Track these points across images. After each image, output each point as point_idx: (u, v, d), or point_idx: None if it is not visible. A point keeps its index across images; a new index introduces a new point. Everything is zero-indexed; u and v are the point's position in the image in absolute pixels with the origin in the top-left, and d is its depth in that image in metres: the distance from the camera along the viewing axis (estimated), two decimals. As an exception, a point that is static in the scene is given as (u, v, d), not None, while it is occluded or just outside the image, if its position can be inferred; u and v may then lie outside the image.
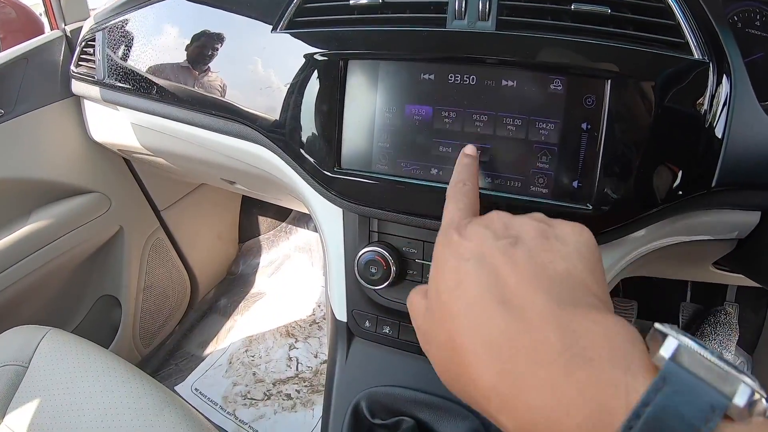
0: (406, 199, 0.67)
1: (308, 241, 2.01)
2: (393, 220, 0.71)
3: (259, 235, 2.04)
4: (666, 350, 0.27)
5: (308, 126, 0.72)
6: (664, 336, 0.28)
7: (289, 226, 2.05)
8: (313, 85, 0.71)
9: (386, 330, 0.76)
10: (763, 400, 0.26)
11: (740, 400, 0.25)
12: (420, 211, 0.67)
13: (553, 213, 0.60)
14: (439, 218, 0.65)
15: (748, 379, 0.26)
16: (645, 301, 1.53)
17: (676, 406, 0.25)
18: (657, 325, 0.29)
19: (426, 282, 0.70)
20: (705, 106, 0.57)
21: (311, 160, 0.72)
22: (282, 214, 2.06)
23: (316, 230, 1.91)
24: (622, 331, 0.30)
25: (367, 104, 0.68)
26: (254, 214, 2.02)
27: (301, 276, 1.93)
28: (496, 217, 0.43)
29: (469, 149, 0.59)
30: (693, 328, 1.46)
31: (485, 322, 0.33)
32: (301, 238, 2.02)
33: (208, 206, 1.78)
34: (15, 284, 1.17)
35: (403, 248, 0.71)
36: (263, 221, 2.05)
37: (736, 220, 0.65)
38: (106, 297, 1.50)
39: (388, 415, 0.75)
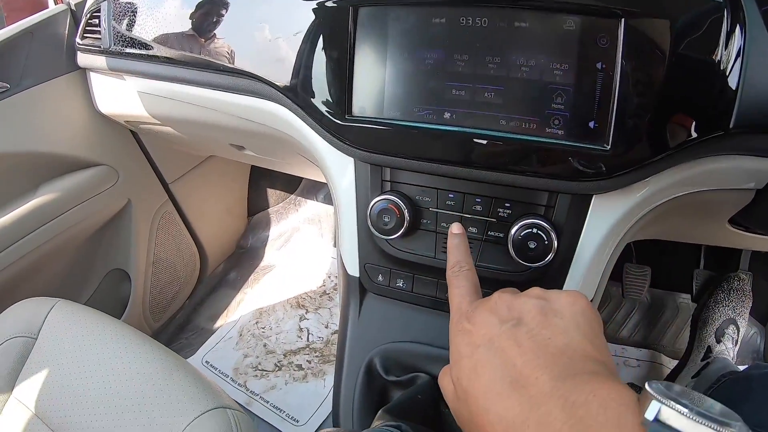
0: (419, 144, 0.66)
1: (317, 212, 1.99)
2: (406, 168, 0.70)
3: (268, 207, 2.03)
4: (650, 413, 0.30)
5: (319, 75, 0.71)
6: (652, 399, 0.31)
7: (298, 198, 2.04)
8: (323, 34, 0.70)
9: (400, 283, 0.75)
10: None
11: None
12: (433, 155, 0.66)
13: (570, 154, 0.60)
14: (452, 163, 0.65)
15: (725, 428, 0.28)
16: (658, 268, 1.52)
17: None
18: (647, 385, 0.32)
19: (440, 231, 0.69)
20: (721, 46, 0.55)
21: (322, 108, 0.71)
22: (291, 186, 2.05)
23: (325, 201, 1.91)
24: (616, 398, 0.33)
25: (378, 50, 0.66)
26: (263, 186, 2.01)
27: (310, 247, 1.92)
28: (499, 300, 0.47)
29: (456, 228, 0.61)
30: (706, 294, 1.44)
31: (499, 402, 0.38)
32: (310, 210, 2.01)
33: (216, 179, 1.76)
34: (24, 258, 1.17)
35: (417, 197, 0.70)
36: (272, 194, 2.03)
37: (753, 167, 0.63)
38: (116, 271, 1.50)
39: (403, 371, 0.75)
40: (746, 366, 1.11)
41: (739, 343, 1.36)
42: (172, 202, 1.60)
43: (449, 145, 0.65)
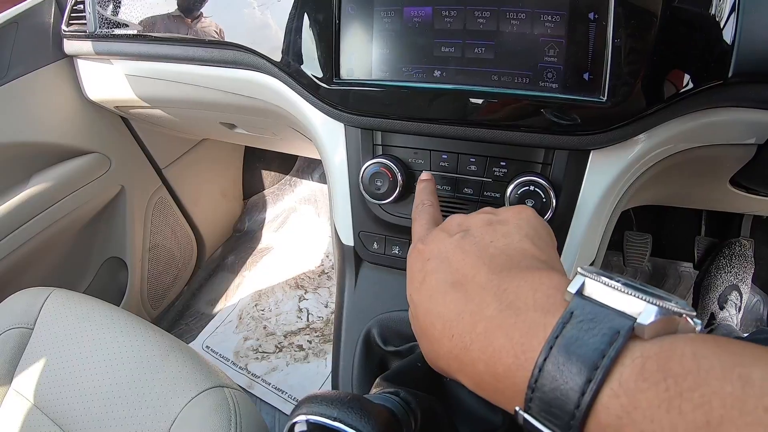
0: (409, 104, 0.64)
1: (313, 191, 1.98)
2: (397, 130, 0.68)
3: (264, 189, 2.02)
4: (573, 286, 0.31)
5: (304, 40, 0.69)
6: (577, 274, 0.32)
7: (293, 178, 2.03)
8: (307, -1, 0.68)
9: (396, 250, 0.73)
10: (690, 320, 0.29)
11: (645, 318, 0.27)
12: (425, 115, 0.64)
13: (565, 107, 0.58)
14: (444, 122, 0.64)
15: (658, 300, 0.28)
16: (659, 236, 1.51)
17: (581, 335, 0.28)
18: (579, 267, 0.32)
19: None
20: None
21: (309, 73, 0.69)
22: (285, 167, 2.04)
23: (320, 180, 1.90)
24: (547, 281, 0.34)
25: (365, 10, 0.64)
26: (257, 168, 2.00)
27: (307, 228, 1.91)
28: (451, 219, 0.48)
29: (425, 175, 0.61)
30: (708, 260, 1.43)
31: (439, 301, 0.38)
32: (306, 190, 2.00)
33: (210, 163, 1.75)
34: (19, 248, 1.16)
35: (410, 159, 0.69)
36: (267, 175, 2.02)
37: (753, 119, 0.61)
38: (113, 259, 1.49)
39: (402, 341, 0.73)
40: (750, 333, 1.10)
41: (742, 309, 1.36)
42: (166, 187, 1.59)
43: (440, 103, 0.63)
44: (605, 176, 0.64)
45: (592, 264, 0.69)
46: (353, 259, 0.77)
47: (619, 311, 0.28)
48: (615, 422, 0.25)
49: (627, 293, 0.29)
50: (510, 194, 0.63)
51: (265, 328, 1.59)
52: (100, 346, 0.86)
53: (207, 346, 1.57)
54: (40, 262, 1.30)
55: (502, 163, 0.65)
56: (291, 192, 2.01)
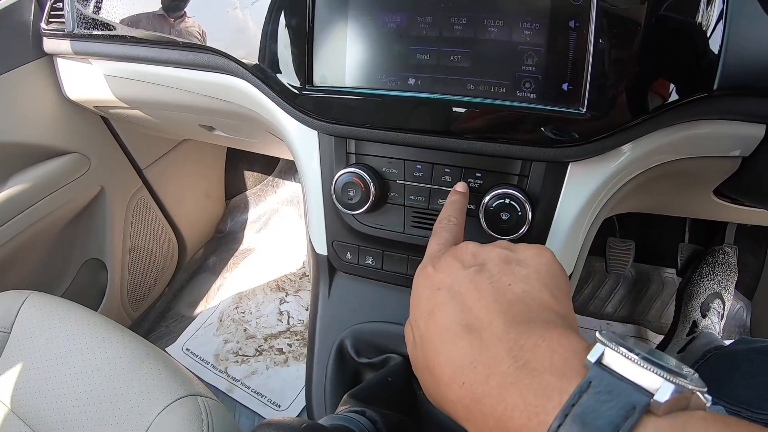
0: (383, 113, 0.63)
1: (295, 193, 1.96)
2: (370, 138, 0.66)
3: (246, 190, 2.00)
4: (592, 355, 0.30)
5: (278, 45, 0.68)
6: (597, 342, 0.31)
7: (276, 179, 2.01)
8: (281, 2, 0.67)
9: (369, 261, 0.72)
10: (701, 395, 0.29)
11: (662, 396, 0.27)
12: (399, 124, 0.63)
13: (543, 119, 0.57)
14: (418, 132, 0.62)
15: (675, 377, 0.28)
16: (642, 242, 1.50)
17: (598, 406, 0.27)
18: (597, 333, 0.32)
19: (408, 205, 0.67)
20: (702, 6, 0.52)
21: (282, 80, 0.68)
22: (268, 168, 2.02)
23: (302, 181, 1.88)
24: (565, 344, 0.33)
25: (339, 16, 0.63)
26: (240, 169, 1.98)
27: (289, 229, 1.89)
28: (466, 247, 0.46)
29: (461, 186, 0.60)
30: (691, 268, 1.43)
31: (451, 344, 0.38)
32: (288, 191, 1.98)
33: (191, 163, 1.73)
34: (-3, 251, 1.14)
35: (383, 169, 0.67)
36: (249, 176, 2.00)
37: (739, 133, 0.60)
38: (92, 261, 1.47)
39: (375, 353, 0.72)
40: (732, 341, 1.10)
41: (724, 317, 1.36)
42: (147, 187, 1.57)
43: (415, 113, 0.61)
44: (584, 189, 0.62)
45: (570, 276, 0.68)
46: (327, 269, 0.76)
47: (637, 385, 0.28)
48: None
49: (645, 368, 0.28)
50: (485, 206, 0.61)
51: (245, 330, 1.57)
52: (76, 352, 0.84)
53: (187, 349, 1.55)
54: (18, 265, 1.27)
55: (477, 174, 0.64)
56: (273, 193, 1.99)
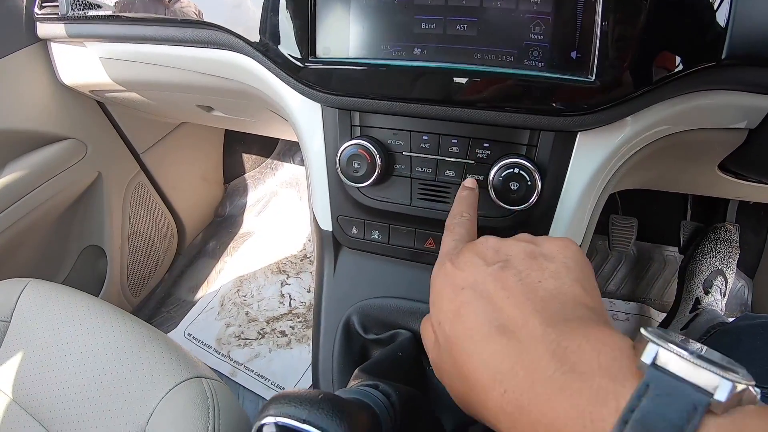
0: (388, 83, 0.62)
1: (295, 175, 1.95)
2: (375, 110, 0.65)
3: (245, 173, 1.99)
4: (647, 357, 0.29)
5: (278, 17, 0.66)
6: (647, 342, 0.30)
7: (275, 161, 2.00)
8: (283, -28, 0.65)
9: (375, 235, 0.71)
10: (752, 389, 0.28)
11: (721, 395, 0.26)
12: (404, 95, 0.62)
13: (551, 87, 0.56)
14: (425, 102, 0.61)
15: (728, 373, 0.27)
16: (644, 220, 1.50)
17: (659, 409, 0.26)
18: (642, 330, 0.31)
19: (415, 176, 0.66)
20: None
21: (284, 52, 0.66)
22: (266, 150, 2.01)
23: (302, 164, 1.87)
24: (609, 342, 0.32)
25: (342, -16, 0.62)
26: (238, 152, 1.97)
27: (289, 212, 1.88)
28: (486, 242, 0.44)
29: (469, 182, 0.58)
30: (693, 245, 1.43)
31: (484, 347, 0.36)
32: (288, 173, 1.97)
33: (189, 147, 1.72)
34: (-5, 239, 1.14)
35: (389, 141, 0.66)
36: (248, 159, 1.99)
37: (745, 104, 0.59)
38: (91, 248, 1.46)
39: (382, 328, 0.71)
40: (735, 317, 1.10)
41: (727, 294, 1.36)
42: (145, 172, 1.56)
43: (421, 82, 0.60)
44: (593, 159, 0.62)
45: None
46: (332, 245, 0.75)
47: (695, 385, 0.27)
48: None
49: (701, 366, 0.28)
50: (493, 177, 0.61)
51: (247, 314, 1.57)
52: (78, 338, 0.84)
53: (189, 334, 1.55)
54: (16, 253, 1.27)
55: (485, 145, 0.63)
56: (272, 175, 1.98)
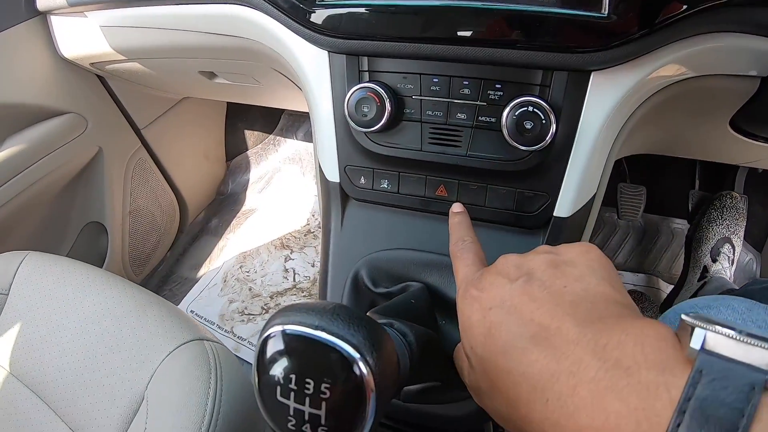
0: (396, 24, 0.61)
1: (297, 150, 1.94)
2: (384, 52, 0.64)
3: (247, 150, 1.98)
4: (696, 342, 0.28)
5: (284, -41, 0.65)
6: (693, 328, 0.28)
7: (277, 138, 1.98)
8: None
9: (384, 184, 0.69)
10: None
11: None
12: (413, 35, 0.61)
13: (563, 23, 0.54)
14: (434, 41, 0.60)
15: None
16: (652, 191, 1.49)
17: (716, 394, 0.25)
18: (684, 316, 0.29)
19: (425, 120, 0.64)
20: None
21: (289, -4, 0.65)
22: (269, 126, 1.99)
23: (304, 139, 1.86)
24: (651, 333, 0.31)
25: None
26: (240, 128, 1.95)
27: (292, 187, 1.87)
28: (506, 261, 0.44)
29: (457, 207, 0.57)
30: (699, 213, 1.42)
31: (520, 359, 0.34)
32: (290, 149, 1.96)
33: (191, 123, 1.71)
34: (-6, 214, 1.13)
35: (398, 85, 0.65)
36: (250, 135, 1.98)
37: (757, 47, 0.58)
38: (92, 224, 1.46)
39: (393, 282, 0.70)
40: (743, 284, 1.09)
41: (735, 263, 1.35)
42: (146, 148, 1.55)
43: (430, 21, 0.59)
44: (606, 101, 0.60)
45: (593, 198, 0.66)
46: (339, 197, 0.74)
47: (749, 365, 0.26)
48: None
49: (752, 344, 0.27)
50: (507, 117, 0.59)
51: (250, 289, 1.56)
52: (76, 306, 0.83)
53: (192, 311, 1.55)
54: (16, 229, 1.26)
55: (497, 86, 0.61)
56: (275, 152, 1.97)
